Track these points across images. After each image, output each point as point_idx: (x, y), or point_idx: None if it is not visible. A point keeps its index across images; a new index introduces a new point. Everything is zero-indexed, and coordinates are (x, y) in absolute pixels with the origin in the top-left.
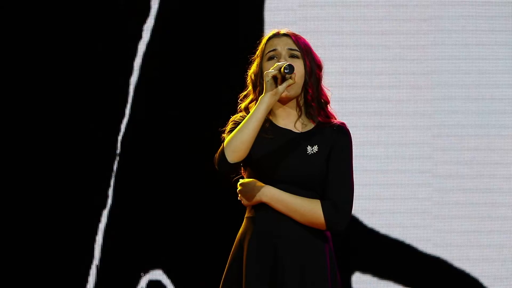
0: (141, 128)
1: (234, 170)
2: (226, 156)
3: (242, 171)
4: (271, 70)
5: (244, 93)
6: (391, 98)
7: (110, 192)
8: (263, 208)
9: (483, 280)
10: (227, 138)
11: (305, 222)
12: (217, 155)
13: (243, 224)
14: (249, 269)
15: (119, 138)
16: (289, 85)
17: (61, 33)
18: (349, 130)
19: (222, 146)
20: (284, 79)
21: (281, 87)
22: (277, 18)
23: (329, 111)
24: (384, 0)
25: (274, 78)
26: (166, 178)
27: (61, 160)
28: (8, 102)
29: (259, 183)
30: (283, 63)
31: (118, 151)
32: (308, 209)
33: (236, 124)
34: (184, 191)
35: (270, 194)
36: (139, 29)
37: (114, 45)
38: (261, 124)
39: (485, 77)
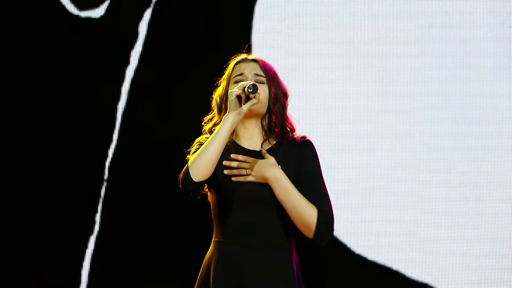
0: (128, 153)
1: (199, 189)
2: (191, 175)
3: (208, 194)
4: (235, 89)
5: (209, 116)
6: (376, 111)
7: (98, 218)
8: (231, 232)
9: None
10: (192, 157)
11: (295, 219)
12: (181, 174)
13: (210, 248)
14: None
15: (107, 163)
16: (253, 105)
17: (48, 58)
18: (312, 141)
19: (186, 165)
20: (248, 99)
21: (245, 107)
22: (264, 38)
23: (294, 136)
24: (371, 9)
25: (238, 97)
26: (153, 204)
27: (49, 186)
28: None
29: (272, 161)
30: (247, 82)
31: (106, 176)
32: (305, 209)
33: (201, 145)
34: (172, 217)
35: (279, 179)
36: (127, 55)
37: (103, 71)
38: (225, 142)
39: (470, 86)
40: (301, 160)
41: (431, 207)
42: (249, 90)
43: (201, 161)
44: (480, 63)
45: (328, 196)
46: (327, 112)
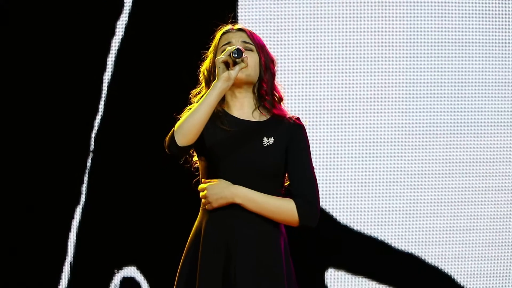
0: (114, 124)
1: (183, 153)
2: (176, 139)
3: (198, 162)
4: (221, 56)
5: (197, 89)
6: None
7: (84, 188)
8: None
9: (456, 277)
10: (178, 121)
11: (278, 220)
12: (167, 137)
13: (199, 215)
14: (204, 261)
15: (93, 134)
16: (241, 69)
17: (34, 29)
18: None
19: (172, 129)
20: (235, 64)
21: (233, 72)
22: (251, 15)
23: (282, 107)
24: (361, 12)
25: (226, 63)
26: (139, 175)
27: (35, 156)
28: None
29: (226, 183)
30: (232, 47)
31: (92, 147)
32: (282, 208)
33: None
34: (157, 187)
35: (243, 195)
36: (112, 26)
37: (88, 42)
38: (212, 109)
39: (460, 88)
40: (292, 138)
41: (416, 183)
42: (234, 55)
43: (186, 126)
44: (472, 69)
45: (313, 177)
46: (316, 88)
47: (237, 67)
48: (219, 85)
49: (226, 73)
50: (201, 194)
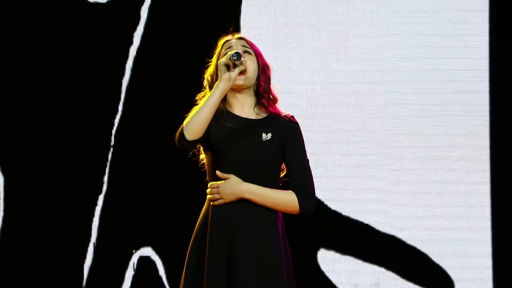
0: (132, 122)
1: (191, 147)
2: (185, 134)
3: (204, 156)
4: (222, 59)
5: (201, 94)
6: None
7: (105, 179)
8: None
9: (431, 255)
10: (186, 119)
11: (281, 210)
12: (177, 133)
13: (206, 202)
14: (210, 244)
15: (113, 131)
16: (241, 71)
17: (61, 38)
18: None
19: (181, 125)
20: (235, 66)
21: (233, 73)
22: (253, 24)
23: (277, 107)
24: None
25: (227, 66)
26: (154, 166)
27: (64, 151)
28: (8, 99)
29: (237, 180)
30: (232, 51)
31: (112, 143)
32: (285, 200)
33: None
34: (170, 178)
35: (252, 191)
36: (130, 35)
37: (108, 49)
38: (215, 107)
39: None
40: (288, 134)
41: (396, 177)
42: (233, 58)
43: (193, 122)
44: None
45: (309, 170)
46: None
47: (236, 69)
48: (221, 86)
49: (226, 74)
50: (209, 190)
